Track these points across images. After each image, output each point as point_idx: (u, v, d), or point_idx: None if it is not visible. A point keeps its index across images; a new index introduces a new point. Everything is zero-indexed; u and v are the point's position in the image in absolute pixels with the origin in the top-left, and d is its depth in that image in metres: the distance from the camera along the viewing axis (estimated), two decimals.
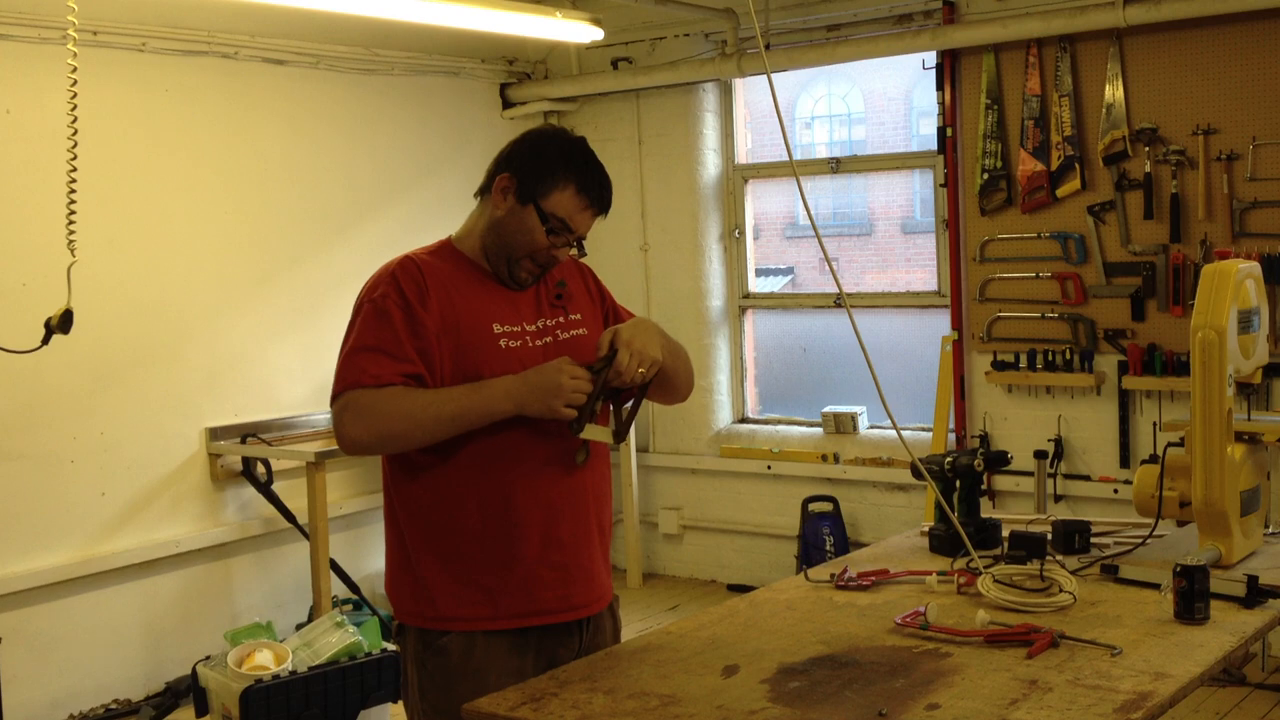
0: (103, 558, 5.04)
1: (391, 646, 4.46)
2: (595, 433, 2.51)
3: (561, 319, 2.58)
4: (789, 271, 6.82)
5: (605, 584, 2.64)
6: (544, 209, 2.46)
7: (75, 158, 3.06)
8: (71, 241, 3.07)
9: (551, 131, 2.61)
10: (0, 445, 4.78)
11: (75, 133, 3.03)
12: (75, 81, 2.95)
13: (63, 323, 3.18)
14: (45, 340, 3.21)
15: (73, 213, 3.09)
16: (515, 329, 2.49)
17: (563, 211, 2.47)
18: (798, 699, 2.27)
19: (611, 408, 2.62)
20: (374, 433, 2.40)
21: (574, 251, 2.56)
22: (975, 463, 3.19)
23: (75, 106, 2.98)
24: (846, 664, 2.43)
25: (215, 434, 5.41)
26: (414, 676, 2.53)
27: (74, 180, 3.07)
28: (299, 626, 5.05)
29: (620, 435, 2.59)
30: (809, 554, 5.91)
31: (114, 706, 5.07)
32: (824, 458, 6.21)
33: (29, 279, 4.69)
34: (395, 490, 2.52)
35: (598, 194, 2.51)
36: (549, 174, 2.46)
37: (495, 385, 2.42)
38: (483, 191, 2.56)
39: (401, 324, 2.41)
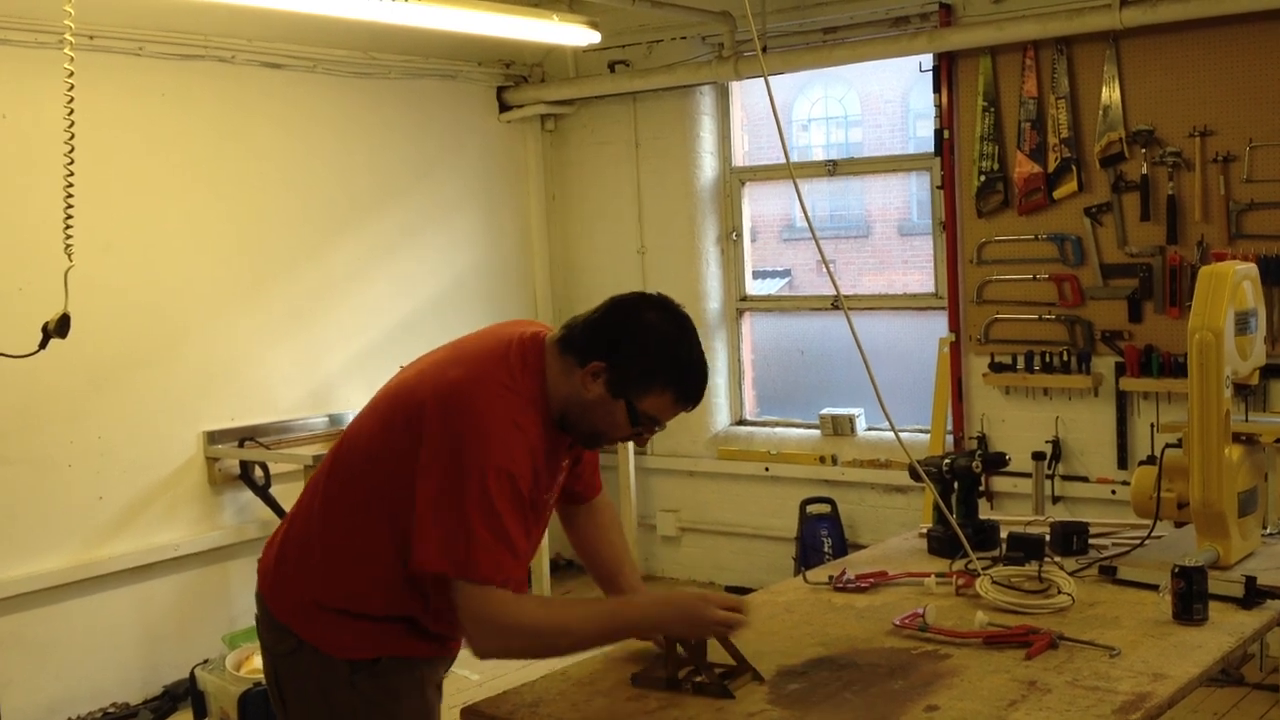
0: (100, 562, 5.04)
1: None
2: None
3: (564, 472, 2.51)
4: (786, 274, 6.82)
5: None
6: (637, 409, 2.33)
7: (72, 162, 3.06)
8: (69, 246, 3.06)
9: (654, 318, 2.36)
10: None
11: (72, 137, 3.03)
12: (72, 86, 2.95)
13: (60, 327, 3.18)
14: (42, 344, 3.20)
15: (70, 217, 3.08)
16: (546, 498, 2.42)
17: (655, 412, 2.36)
18: (797, 701, 2.27)
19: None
20: (525, 653, 2.34)
21: (659, 429, 2.46)
22: (973, 464, 3.19)
23: (72, 111, 2.98)
24: (845, 666, 2.43)
25: (212, 438, 5.41)
26: (327, 701, 2.36)
27: (71, 184, 3.07)
28: None
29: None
30: (807, 556, 5.90)
31: (112, 710, 5.06)
32: (822, 460, 6.21)
33: (26, 283, 4.68)
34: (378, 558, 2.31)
35: (696, 396, 2.39)
36: (648, 378, 2.32)
37: (638, 609, 2.40)
38: (573, 351, 2.33)
39: (529, 516, 2.27)
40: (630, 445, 6.48)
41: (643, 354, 2.32)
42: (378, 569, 2.29)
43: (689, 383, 2.36)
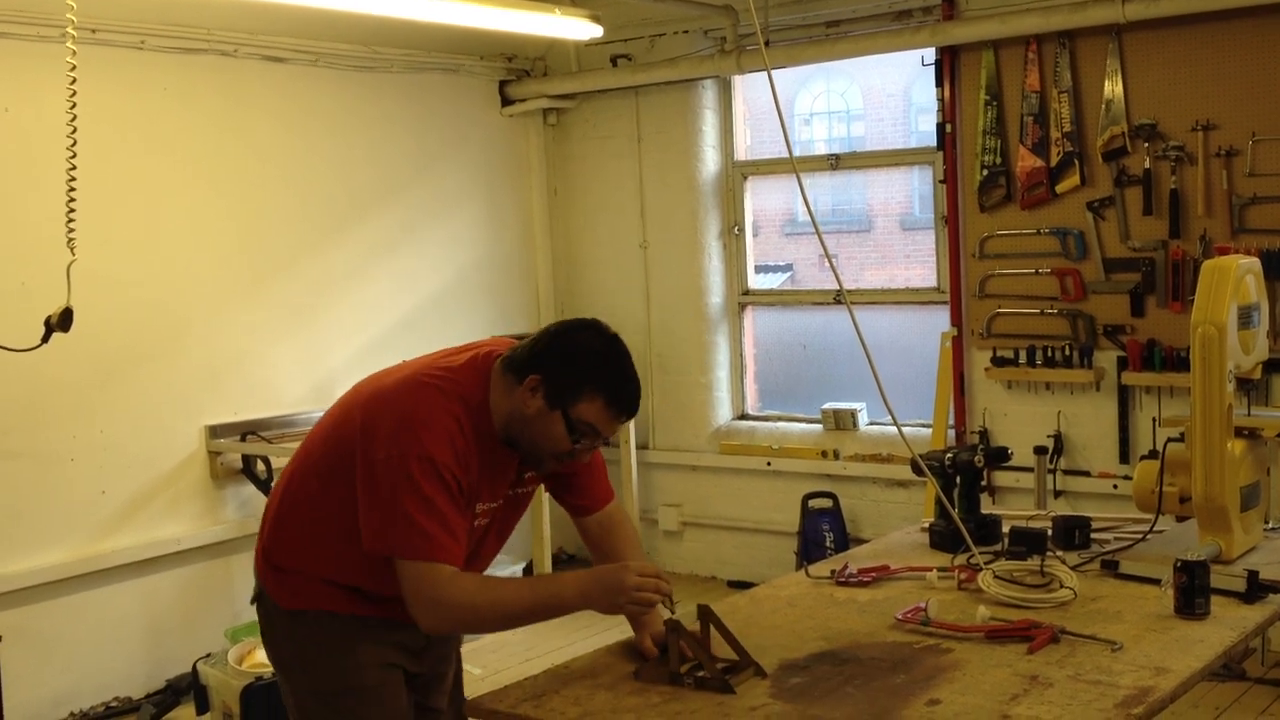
0: (103, 556, 5.04)
1: None
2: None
3: (522, 489, 2.62)
4: (788, 268, 6.82)
5: None
6: (572, 417, 2.43)
7: (74, 156, 3.06)
8: (71, 240, 3.07)
9: (585, 336, 2.51)
10: (0, 444, 4.78)
11: (74, 131, 3.03)
12: (74, 80, 2.95)
13: (62, 321, 3.18)
14: (45, 339, 3.21)
15: (72, 211, 3.09)
16: (487, 506, 2.52)
17: (590, 419, 2.45)
18: (799, 695, 2.27)
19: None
20: (463, 627, 2.54)
21: (600, 444, 2.56)
22: (975, 459, 3.19)
23: (74, 105, 2.98)
24: (847, 660, 2.43)
25: (215, 432, 5.41)
26: (274, 644, 2.62)
27: (73, 179, 3.07)
28: None
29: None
30: (809, 550, 5.91)
31: (115, 704, 5.07)
32: (824, 454, 6.21)
33: (28, 277, 4.68)
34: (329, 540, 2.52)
35: (628, 405, 2.50)
36: (579, 385, 2.43)
37: (567, 585, 2.48)
38: (512, 369, 2.46)
39: (459, 499, 2.39)
40: (633, 440, 6.48)
41: (573, 362, 2.45)
42: (318, 536, 2.50)
43: (620, 389, 2.48)
